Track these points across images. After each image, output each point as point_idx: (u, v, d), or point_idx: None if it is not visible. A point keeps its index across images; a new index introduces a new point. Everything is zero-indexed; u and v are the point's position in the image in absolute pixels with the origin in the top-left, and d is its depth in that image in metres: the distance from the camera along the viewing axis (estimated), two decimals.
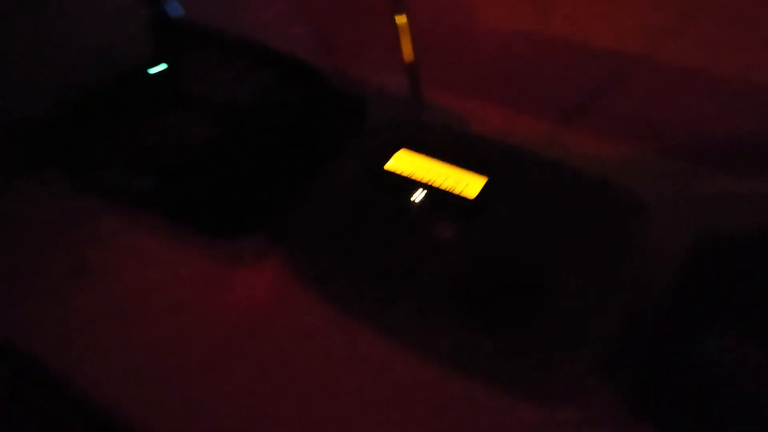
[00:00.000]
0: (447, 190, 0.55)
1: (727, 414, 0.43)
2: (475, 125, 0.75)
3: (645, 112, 0.67)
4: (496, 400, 0.49)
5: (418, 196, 0.55)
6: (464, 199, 0.55)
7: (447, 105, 0.74)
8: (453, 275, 0.50)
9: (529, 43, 0.67)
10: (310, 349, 0.54)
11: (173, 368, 0.54)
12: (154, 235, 0.62)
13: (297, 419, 0.50)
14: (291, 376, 0.52)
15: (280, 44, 0.68)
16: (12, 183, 0.68)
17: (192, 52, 0.69)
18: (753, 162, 0.65)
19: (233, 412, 0.51)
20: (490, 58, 0.71)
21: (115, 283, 0.60)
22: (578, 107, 0.71)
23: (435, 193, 0.55)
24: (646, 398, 0.46)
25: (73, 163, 0.62)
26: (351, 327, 0.54)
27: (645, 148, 0.69)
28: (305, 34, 0.79)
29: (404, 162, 0.58)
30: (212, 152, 0.60)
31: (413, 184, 0.56)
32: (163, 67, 0.67)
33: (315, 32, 0.79)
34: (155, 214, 0.62)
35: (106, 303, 0.59)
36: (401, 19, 0.52)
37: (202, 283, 0.60)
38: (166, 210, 0.60)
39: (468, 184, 0.55)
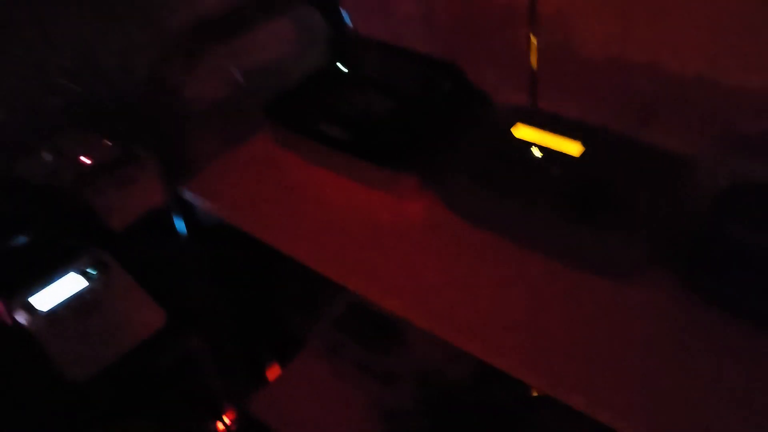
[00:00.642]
0: (557, 150, 0.80)
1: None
2: None
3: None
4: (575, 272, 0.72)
5: (538, 151, 0.80)
6: (570, 156, 0.79)
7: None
8: (560, 194, 0.74)
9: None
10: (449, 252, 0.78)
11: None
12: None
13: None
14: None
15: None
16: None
17: (366, 56, 0.97)
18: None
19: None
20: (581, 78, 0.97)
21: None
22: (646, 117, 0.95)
23: (548, 151, 0.80)
24: (699, 272, 0.68)
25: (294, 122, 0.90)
26: (488, 235, 0.78)
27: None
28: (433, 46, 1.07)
29: (524, 131, 0.83)
30: (387, 120, 0.86)
31: (533, 145, 0.81)
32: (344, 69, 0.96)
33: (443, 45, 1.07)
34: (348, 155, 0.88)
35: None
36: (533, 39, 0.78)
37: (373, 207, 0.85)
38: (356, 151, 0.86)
39: (571, 148, 0.80)
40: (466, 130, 0.85)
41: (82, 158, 1.10)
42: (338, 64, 0.96)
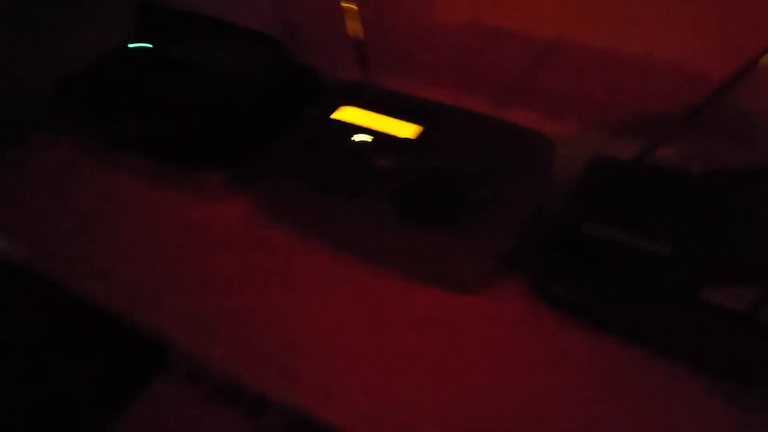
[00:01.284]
0: (388, 133, 0.67)
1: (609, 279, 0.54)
2: None
3: (571, 90, 0.80)
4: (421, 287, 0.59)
5: (363, 137, 0.66)
6: (404, 139, 0.66)
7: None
8: (393, 190, 0.60)
9: (463, 32, 0.80)
10: (271, 264, 0.63)
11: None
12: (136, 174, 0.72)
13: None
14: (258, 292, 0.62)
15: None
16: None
17: (175, 30, 0.80)
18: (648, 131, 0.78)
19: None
20: (431, 47, 0.84)
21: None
22: (511, 89, 0.84)
23: (378, 136, 0.66)
24: (546, 276, 0.57)
25: (78, 118, 0.72)
26: (312, 244, 0.64)
27: (567, 120, 0.82)
28: (271, 23, 0.91)
29: (350, 114, 0.69)
30: (195, 105, 0.70)
31: (359, 130, 0.67)
32: (146, 45, 0.78)
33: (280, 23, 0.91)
34: (147, 154, 0.71)
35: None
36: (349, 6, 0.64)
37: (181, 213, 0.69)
38: (156, 149, 0.70)
39: (407, 130, 0.67)
40: (289, 117, 0.70)
41: None
42: (137, 41, 0.79)
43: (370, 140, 0.66)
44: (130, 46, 0.79)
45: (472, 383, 0.52)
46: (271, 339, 0.56)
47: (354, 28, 0.67)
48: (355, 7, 0.64)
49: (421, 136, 0.66)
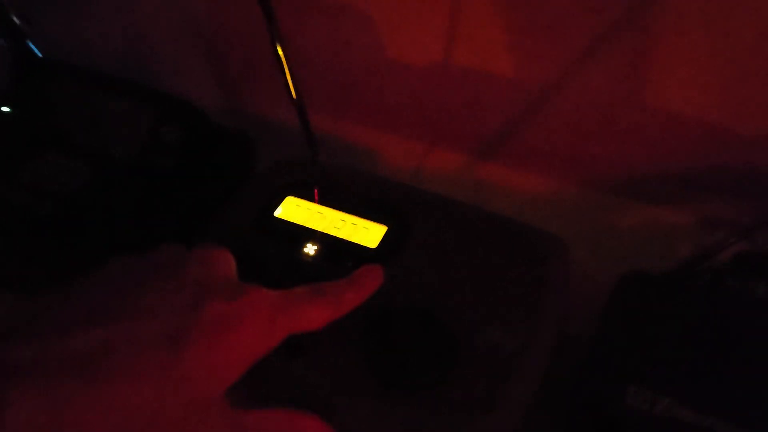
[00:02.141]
0: (344, 239, 0.49)
1: None
2: (380, 165, 0.70)
3: (560, 145, 0.64)
4: None
5: (312, 246, 0.48)
6: (364, 249, 0.48)
7: (348, 143, 0.69)
8: (354, 332, 0.43)
9: (434, 75, 0.62)
10: None
11: None
12: None
13: None
14: None
15: (154, 80, 0.61)
16: None
17: (55, 91, 0.60)
18: (674, 192, 0.62)
19: None
20: (393, 92, 0.66)
21: None
22: (490, 141, 0.67)
23: (331, 243, 0.49)
24: None
25: None
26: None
27: (563, 182, 0.66)
28: (185, 67, 0.72)
29: (294, 210, 0.51)
30: (79, 202, 0.51)
31: (306, 233, 0.49)
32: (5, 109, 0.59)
33: (197, 66, 0.71)
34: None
35: None
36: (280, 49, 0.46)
37: None
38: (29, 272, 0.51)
39: (367, 232, 0.49)
40: (206, 218, 0.52)
41: None
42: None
43: (320, 253, 0.48)
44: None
45: None
46: None
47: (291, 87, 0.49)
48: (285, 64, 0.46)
49: (386, 239, 0.48)
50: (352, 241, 0.49)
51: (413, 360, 0.41)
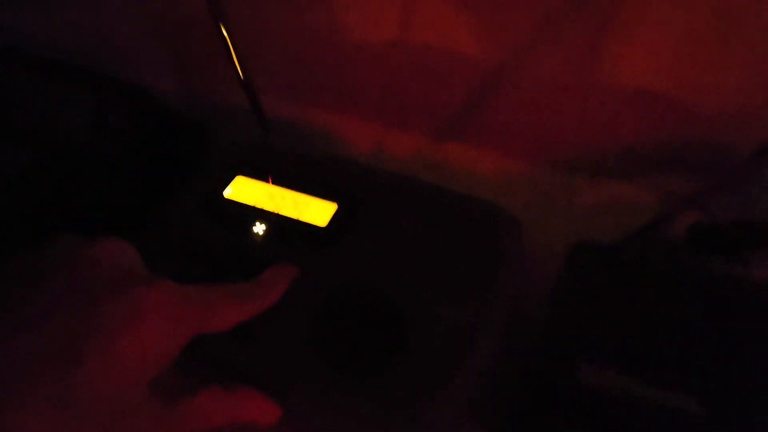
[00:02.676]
0: (293, 218, 0.48)
1: None
2: (339, 148, 0.69)
3: (518, 124, 0.63)
4: None
5: (261, 226, 0.47)
6: (313, 228, 0.47)
7: (306, 127, 0.68)
8: (303, 314, 0.42)
9: (389, 55, 0.61)
10: None
11: None
12: None
13: None
14: None
15: (111, 69, 0.59)
16: None
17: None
18: (630, 168, 0.62)
19: None
20: (348, 73, 0.65)
21: None
22: (447, 121, 0.66)
23: (279, 223, 0.48)
24: None
25: None
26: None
27: (520, 161, 0.65)
28: (144, 55, 0.70)
29: (244, 190, 0.50)
30: (23, 189, 0.50)
31: (255, 214, 0.48)
32: None
33: (150, 48, 0.70)
34: None
35: None
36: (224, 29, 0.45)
37: None
38: None
39: (317, 211, 0.48)
40: (155, 203, 0.51)
41: None
42: None
43: (269, 233, 0.47)
44: None
45: None
46: None
47: (237, 66, 0.48)
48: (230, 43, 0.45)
49: (337, 217, 0.47)
50: (302, 220, 0.48)
51: (361, 342, 0.40)
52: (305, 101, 0.68)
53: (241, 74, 0.52)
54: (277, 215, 0.48)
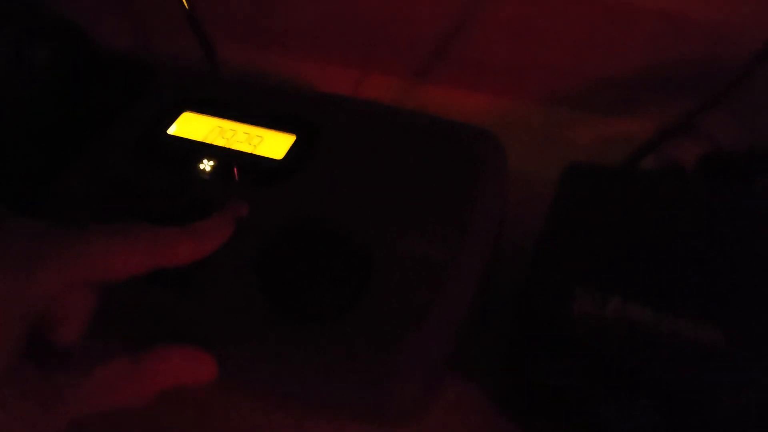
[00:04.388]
0: (247, 152, 0.42)
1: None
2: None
3: (501, 56, 0.58)
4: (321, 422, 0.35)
5: (210, 163, 0.41)
6: (268, 161, 0.41)
7: (261, 75, 0.61)
8: (253, 257, 0.36)
9: None
10: None
11: None
12: None
13: None
14: None
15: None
16: None
17: None
18: (622, 103, 0.57)
19: None
20: (314, 12, 0.59)
21: None
22: (428, 56, 0.60)
23: (234, 158, 0.42)
24: (508, 386, 0.35)
25: None
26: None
27: (506, 97, 0.60)
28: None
29: (191, 125, 0.44)
30: None
31: (203, 149, 0.42)
32: None
33: None
34: None
35: None
36: None
37: None
38: None
39: (273, 144, 0.42)
40: (83, 143, 0.45)
41: None
42: None
43: (220, 169, 0.41)
44: None
45: None
46: None
47: None
48: None
49: (294, 149, 0.41)
50: (257, 153, 0.42)
51: (318, 285, 0.35)
52: (263, 44, 0.62)
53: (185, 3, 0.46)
54: (228, 150, 0.42)
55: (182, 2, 0.48)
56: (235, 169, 0.41)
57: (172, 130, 0.44)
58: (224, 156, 0.42)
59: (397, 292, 0.34)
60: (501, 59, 0.58)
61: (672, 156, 0.51)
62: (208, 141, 0.43)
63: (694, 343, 0.31)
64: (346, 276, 0.35)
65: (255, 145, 0.42)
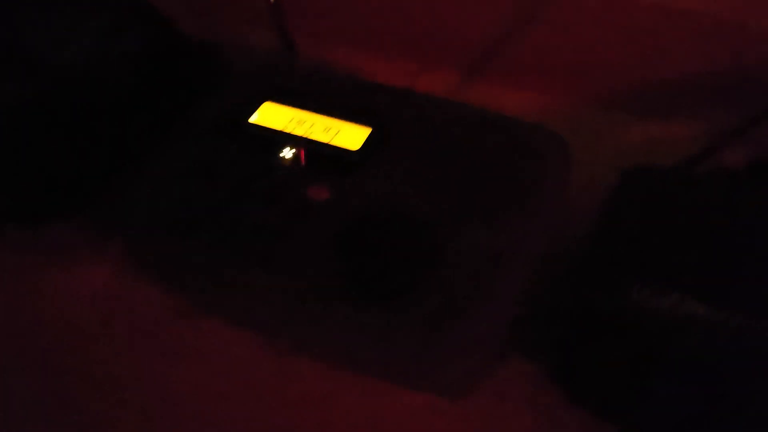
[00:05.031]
0: (324, 143, 0.45)
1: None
2: None
3: (558, 58, 0.60)
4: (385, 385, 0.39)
5: (289, 151, 0.45)
6: (346, 152, 0.44)
7: (332, 61, 0.64)
8: (333, 240, 0.40)
9: None
10: (159, 351, 0.42)
11: None
12: None
13: None
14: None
15: None
16: None
17: None
18: (675, 106, 0.58)
19: None
20: (377, 10, 0.62)
21: None
22: (483, 56, 0.62)
23: (310, 147, 0.45)
24: (566, 371, 0.37)
25: None
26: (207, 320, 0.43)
27: (560, 97, 0.62)
28: None
29: (271, 115, 0.47)
30: (27, 117, 0.47)
31: (283, 139, 0.45)
32: None
33: None
34: None
35: None
36: None
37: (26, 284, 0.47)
38: None
39: (350, 135, 0.45)
40: (167, 131, 0.48)
41: None
42: None
43: (297, 158, 0.44)
44: None
45: None
46: None
47: None
48: None
49: (370, 141, 0.44)
50: (334, 144, 0.45)
51: (386, 264, 0.38)
52: (334, 42, 0.65)
53: None
54: (309, 140, 0.45)
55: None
56: (302, 154, 0.44)
57: (254, 119, 0.47)
58: (303, 145, 0.45)
59: (458, 274, 0.37)
60: (554, 60, 0.60)
61: (722, 159, 0.52)
62: (288, 131, 0.46)
63: (747, 337, 0.33)
64: (413, 259, 0.38)
65: (333, 136, 0.45)
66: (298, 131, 0.46)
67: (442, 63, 0.65)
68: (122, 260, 0.47)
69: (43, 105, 0.48)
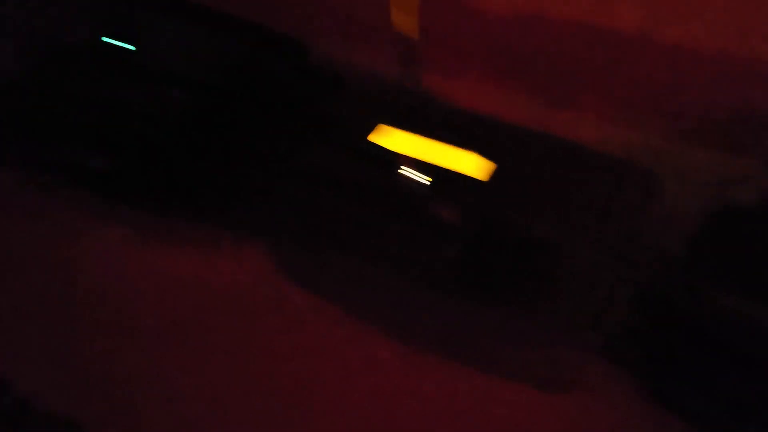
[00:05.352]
0: (449, 168, 0.49)
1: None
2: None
3: (645, 94, 0.62)
4: (505, 390, 0.42)
5: (414, 173, 0.49)
6: (473, 180, 0.48)
7: (435, 89, 0.68)
8: (457, 254, 0.43)
9: (521, 24, 0.61)
10: (299, 342, 0.46)
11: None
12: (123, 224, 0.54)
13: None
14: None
15: (251, 13, 0.62)
16: None
17: (157, 23, 0.62)
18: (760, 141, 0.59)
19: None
20: (480, 39, 0.66)
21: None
22: (575, 89, 0.65)
23: (436, 172, 0.49)
24: (660, 380, 0.40)
25: (21, 143, 0.55)
26: (343, 318, 0.47)
27: (649, 130, 0.64)
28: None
29: (390, 136, 0.51)
30: (182, 129, 0.52)
31: (407, 161, 0.49)
32: (129, 47, 0.60)
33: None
34: (117, 199, 0.54)
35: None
36: None
37: (181, 274, 0.52)
38: (134, 194, 0.53)
39: (472, 165, 0.49)
40: (300, 145, 0.53)
41: None
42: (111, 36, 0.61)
43: (425, 180, 0.48)
44: (105, 40, 0.61)
45: None
46: None
47: (404, 21, 0.49)
48: None
49: (494, 175, 0.48)
50: (462, 172, 0.48)
51: (509, 274, 0.41)
52: (463, 77, 0.68)
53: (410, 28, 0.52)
54: (431, 166, 0.49)
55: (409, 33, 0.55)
56: (428, 177, 0.48)
57: (373, 137, 0.51)
58: (429, 168, 0.49)
59: (568, 286, 0.40)
60: (632, 97, 0.62)
61: None
62: (411, 155, 0.50)
63: None
64: (532, 271, 0.41)
65: (457, 165, 0.49)
66: (420, 155, 0.50)
67: (530, 93, 0.67)
68: (264, 258, 0.51)
69: (192, 118, 0.53)
